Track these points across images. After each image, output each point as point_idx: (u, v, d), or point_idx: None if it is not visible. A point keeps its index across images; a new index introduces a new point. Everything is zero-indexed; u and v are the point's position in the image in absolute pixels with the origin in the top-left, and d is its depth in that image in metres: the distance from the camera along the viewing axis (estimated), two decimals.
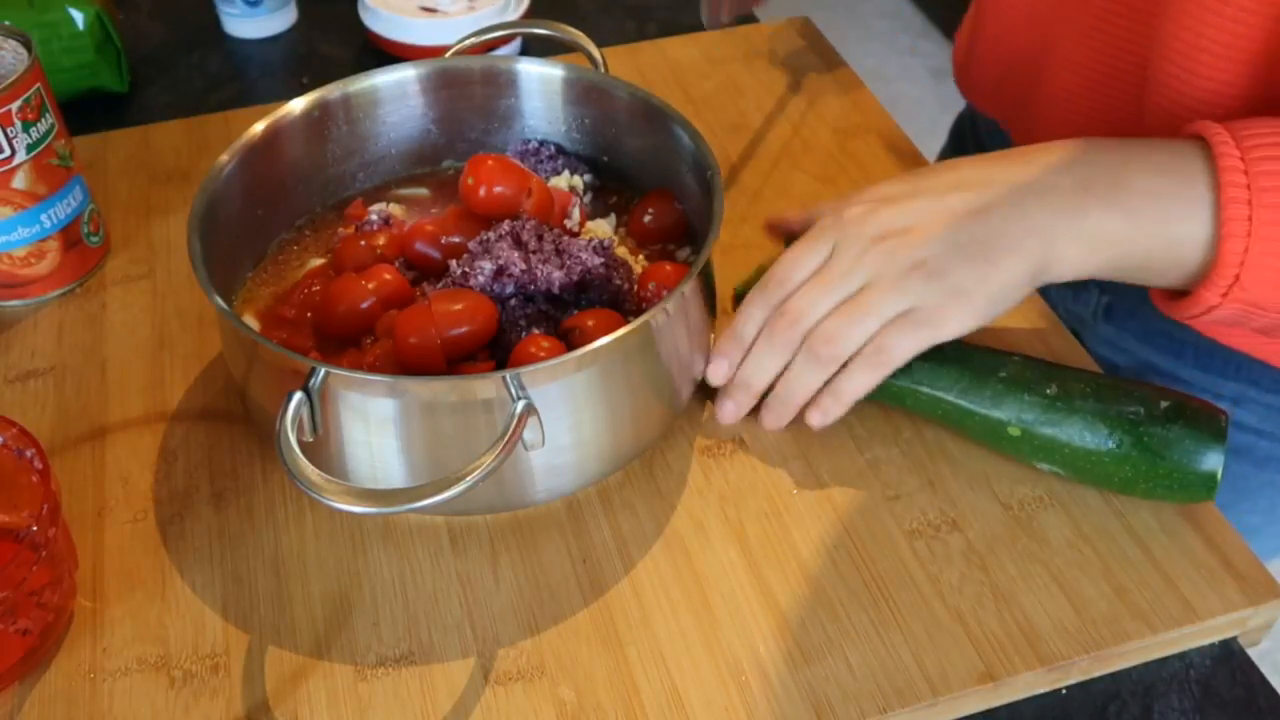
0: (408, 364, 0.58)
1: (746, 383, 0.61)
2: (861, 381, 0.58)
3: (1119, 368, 0.80)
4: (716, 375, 0.61)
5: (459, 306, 0.58)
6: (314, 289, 0.64)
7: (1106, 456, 0.57)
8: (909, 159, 0.81)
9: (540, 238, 0.62)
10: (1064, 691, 0.54)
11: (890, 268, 0.57)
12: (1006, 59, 0.77)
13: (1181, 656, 0.56)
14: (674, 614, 0.55)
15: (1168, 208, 0.55)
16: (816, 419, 0.60)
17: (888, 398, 0.62)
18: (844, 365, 0.58)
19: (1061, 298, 0.82)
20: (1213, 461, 0.56)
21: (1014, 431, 0.59)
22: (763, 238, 0.75)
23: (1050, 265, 0.56)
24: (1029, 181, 0.57)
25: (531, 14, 0.97)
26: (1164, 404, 0.57)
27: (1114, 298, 0.79)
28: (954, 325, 0.57)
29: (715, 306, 0.64)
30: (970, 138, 0.92)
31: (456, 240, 0.64)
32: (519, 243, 0.62)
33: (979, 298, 0.57)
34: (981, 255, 0.56)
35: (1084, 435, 0.58)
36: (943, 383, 0.60)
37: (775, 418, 0.61)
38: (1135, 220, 0.55)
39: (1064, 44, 0.70)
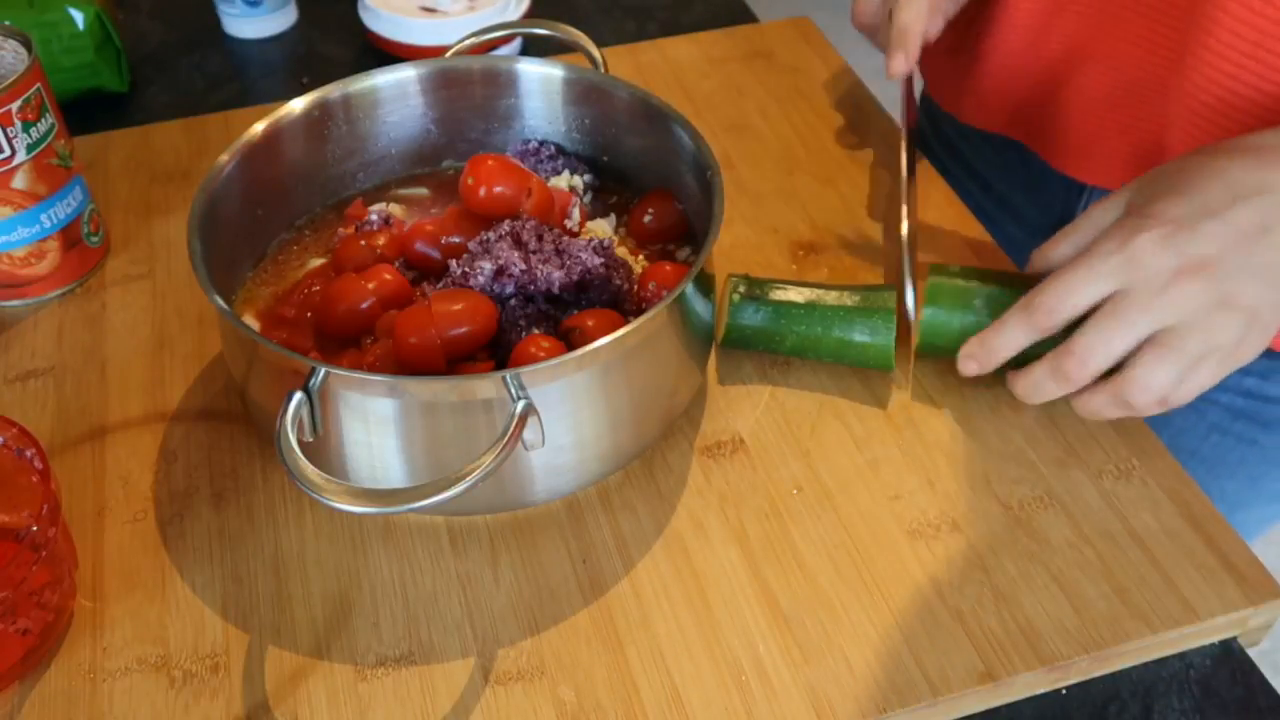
0: (408, 364, 0.58)
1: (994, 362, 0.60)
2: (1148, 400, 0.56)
3: None
4: (967, 369, 0.61)
5: (459, 306, 0.58)
6: (314, 289, 0.64)
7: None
8: None
9: (540, 238, 0.62)
10: (1064, 691, 0.54)
11: (1195, 306, 0.53)
12: (1018, 84, 0.77)
13: (1181, 656, 0.56)
14: (674, 614, 0.55)
15: None
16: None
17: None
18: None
19: None
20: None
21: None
22: (763, 238, 0.75)
23: None
24: None
25: (531, 14, 0.97)
26: None
27: None
28: (1249, 354, 0.55)
29: (715, 307, 0.64)
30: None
31: (456, 240, 0.64)
32: (519, 243, 0.62)
33: (1273, 322, 0.55)
34: (1275, 278, 0.54)
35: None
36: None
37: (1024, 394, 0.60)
38: None
39: (1088, 59, 0.70)
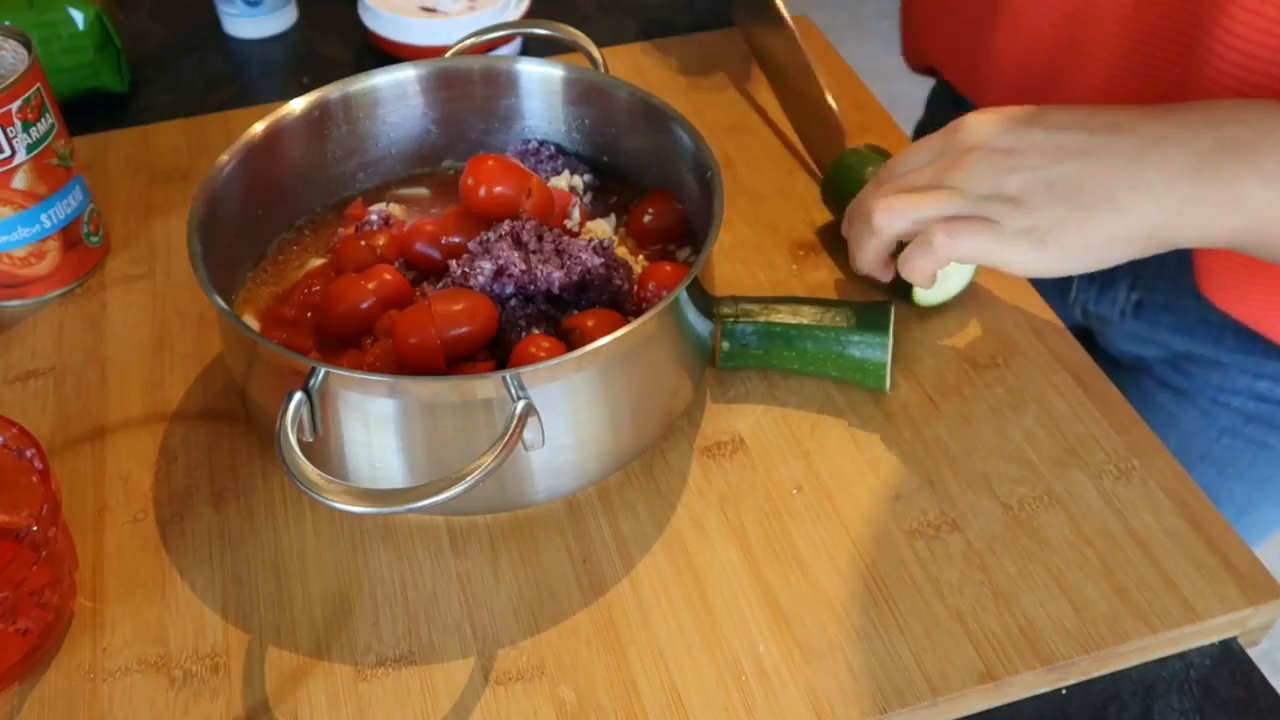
0: (408, 364, 0.58)
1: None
2: (918, 264, 0.60)
3: (1146, 360, 0.80)
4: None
5: (459, 306, 0.58)
6: (314, 289, 0.64)
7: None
8: None
9: (540, 238, 0.62)
10: (1064, 691, 0.54)
11: (973, 182, 0.56)
12: (1027, 64, 0.76)
13: (1181, 656, 0.56)
14: (674, 614, 0.55)
15: None
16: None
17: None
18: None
19: (1084, 298, 0.81)
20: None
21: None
22: (763, 238, 0.75)
23: (1168, 228, 0.53)
24: (1158, 136, 0.53)
25: (531, 14, 0.97)
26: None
27: (1144, 293, 0.77)
28: (1020, 262, 0.56)
29: (715, 306, 0.64)
30: (949, 104, 0.90)
31: (456, 240, 0.64)
32: (519, 243, 0.62)
33: (1052, 245, 0.54)
34: (1071, 199, 0.54)
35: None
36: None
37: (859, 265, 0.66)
38: (1275, 187, 0.51)
39: (1095, 36, 0.69)
